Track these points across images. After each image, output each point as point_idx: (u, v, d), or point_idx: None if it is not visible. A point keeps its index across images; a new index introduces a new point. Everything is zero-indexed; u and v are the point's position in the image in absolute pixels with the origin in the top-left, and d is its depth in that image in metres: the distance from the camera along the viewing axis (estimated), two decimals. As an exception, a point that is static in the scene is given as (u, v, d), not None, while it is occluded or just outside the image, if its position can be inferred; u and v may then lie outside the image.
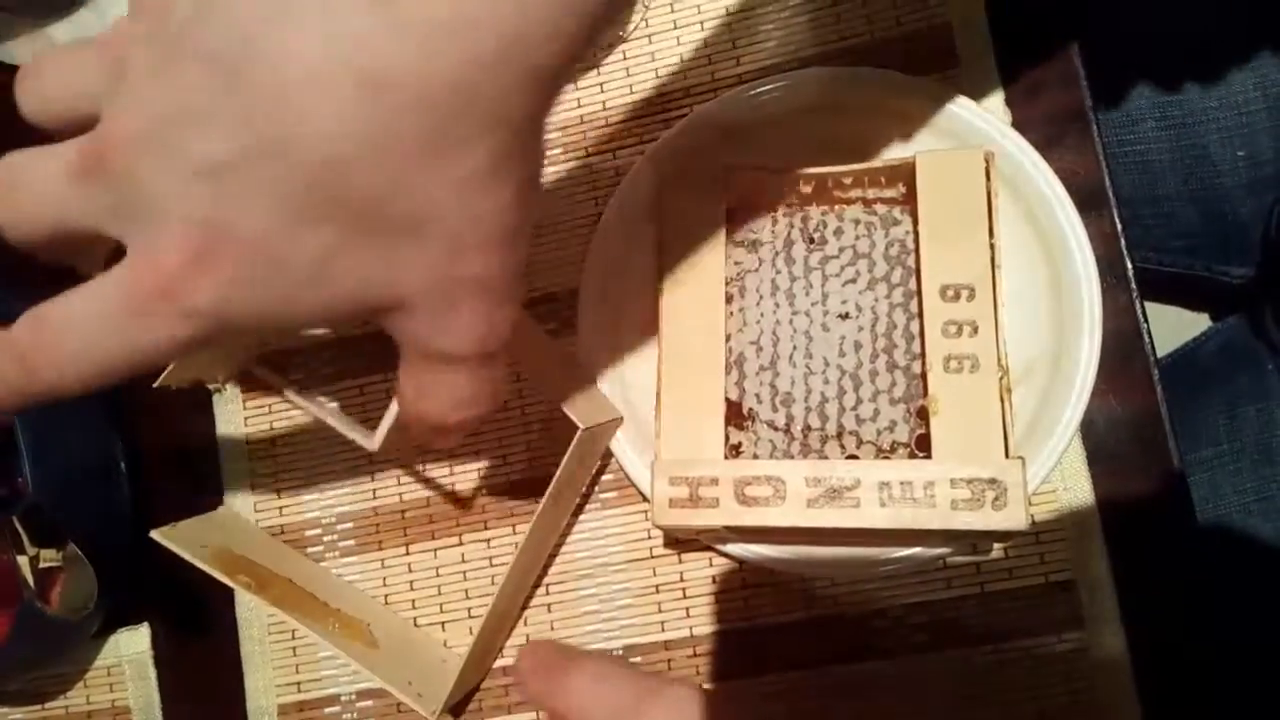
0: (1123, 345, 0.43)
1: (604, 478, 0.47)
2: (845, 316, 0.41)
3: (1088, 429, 0.43)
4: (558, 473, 0.42)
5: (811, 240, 0.42)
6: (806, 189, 0.42)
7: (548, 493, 0.43)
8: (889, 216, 0.41)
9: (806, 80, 0.43)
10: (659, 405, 0.40)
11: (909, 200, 0.41)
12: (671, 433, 0.40)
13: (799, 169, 0.41)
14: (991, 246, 0.38)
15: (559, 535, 0.47)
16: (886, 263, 0.41)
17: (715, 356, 0.40)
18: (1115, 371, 0.43)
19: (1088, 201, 0.42)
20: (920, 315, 0.39)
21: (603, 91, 0.49)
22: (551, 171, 0.49)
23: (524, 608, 0.47)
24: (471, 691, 0.47)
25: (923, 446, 0.38)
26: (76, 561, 0.47)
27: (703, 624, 0.45)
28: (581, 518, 0.47)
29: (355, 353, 0.50)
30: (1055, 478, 0.43)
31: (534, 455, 0.48)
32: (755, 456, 0.40)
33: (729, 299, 0.41)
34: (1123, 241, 0.43)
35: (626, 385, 0.45)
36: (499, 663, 0.47)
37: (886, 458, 0.39)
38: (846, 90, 0.43)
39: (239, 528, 0.49)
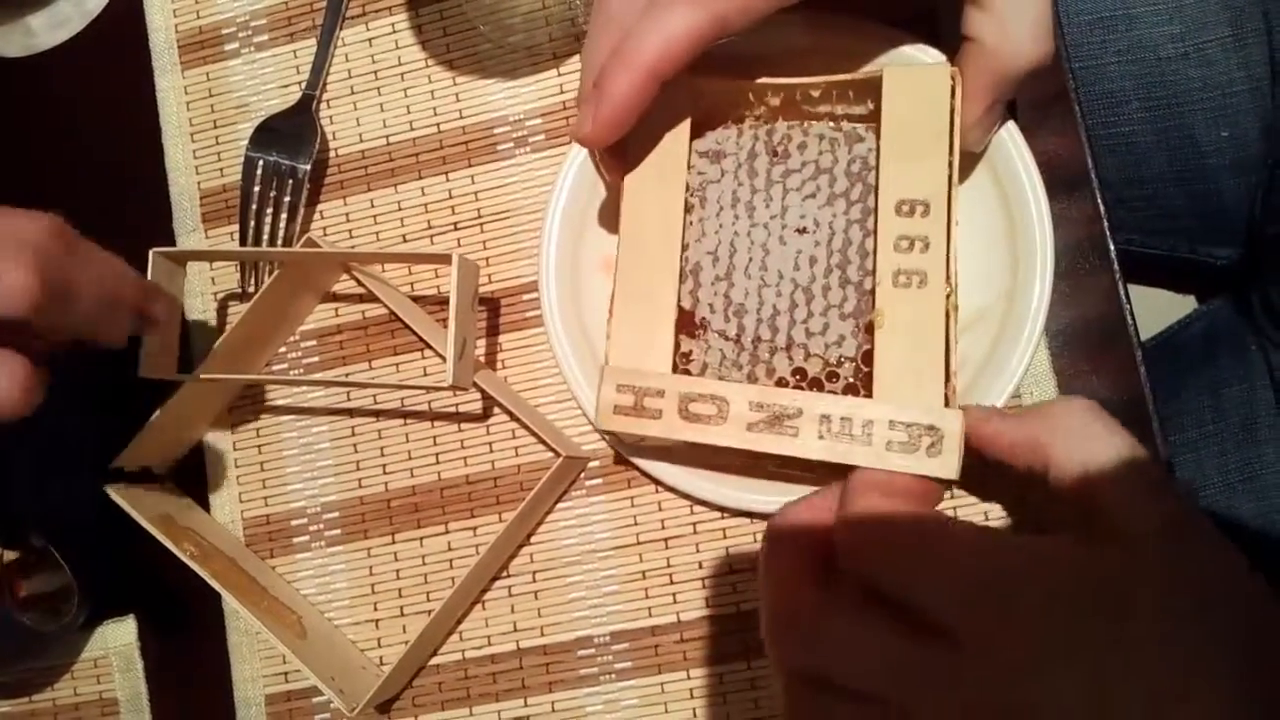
0: (1106, 328, 0.43)
1: (590, 464, 0.47)
2: (802, 231, 0.41)
3: (1071, 411, 0.43)
4: (531, 494, 0.44)
5: (775, 153, 0.42)
6: (775, 101, 0.42)
7: (518, 511, 0.44)
8: (853, 133, 0.41)
9: (786, 24, 0.43)
10: (611, 308, 0.40)
11: (875, 118, 0.41)
12: (622, 336, 0.40)
13: (768, 81, 0.41)
14: (950, 164, 0.39)
15: (518, 547, 0.47)
16: (847, 179, 0.41)
17: (670, 264, 0.40)
18: (1099, 354, 0.43)
19: (1071, 184, 0.42)
20: (875, 231, 0.39)
21: (585, 77, 0.48)
22: (534, 158, 0.49)
23: (468, 611, 0.48)
24: (403, 688, 0.47)
25: (869, 361, 0.39)
26: (55, 568, 0.47)
27: (690, 609, 0.46)
28: (568, 505, 0.47)
29: (335, 344, 0.50)
30: (1039, 460, 0.43)
31: (520, 443, 0.47)
32: (705, 365, 0.41)
33: (689, 209, 0.41)
34: (1105, 223, 0.43)
35: (594, 348, 0.45)
36: (434, 660, 0.48)
37: (834, 372, 0.39)
38: (822, 35, 0.43)
39: (185, 504, 0.49)
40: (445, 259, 0.42)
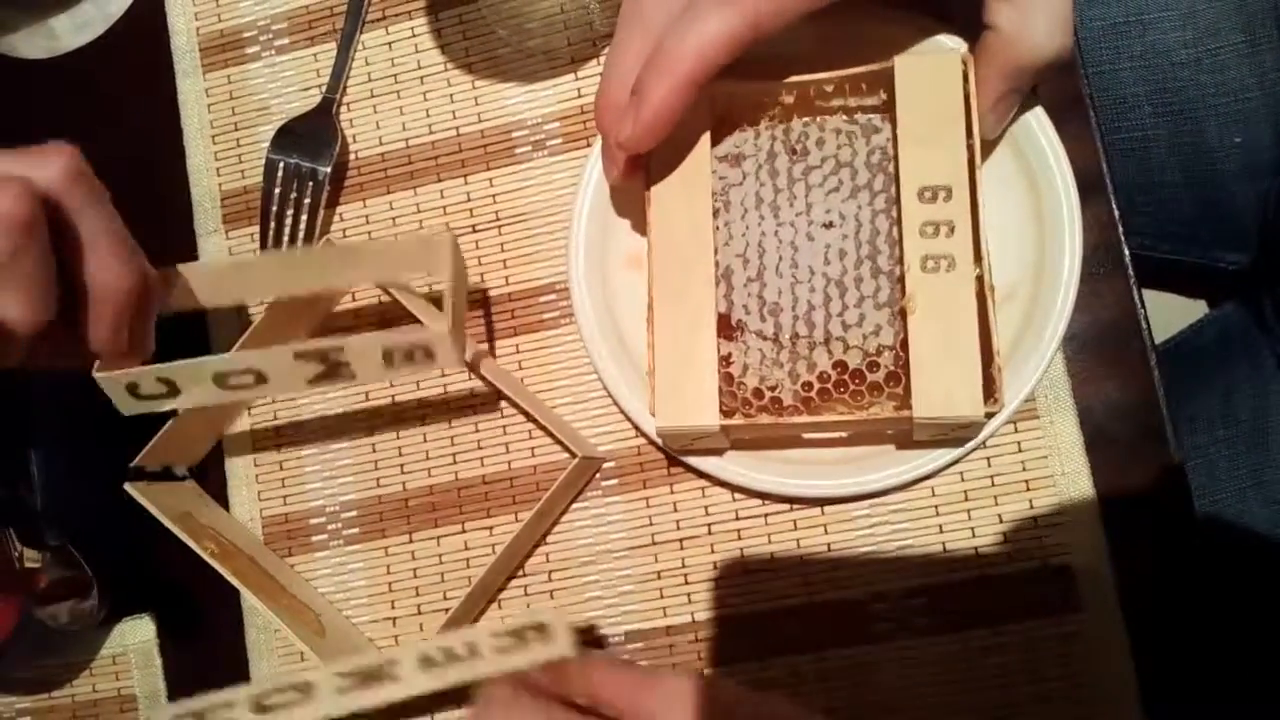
0: (1120, 332, 0.44)
1: (606, 465, 0.47)
2: (829, 225, 0.42)
3: (1085, 415, 0.44)
4: (547, 494, 0.44)
5: (794, 152, 0.42)
6: (788, 99, 0.42)
7: (534, 511, 0.44)
8: (870, 124, 0.42)
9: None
10: (651, 323, 0.41)
11: (889, 108, 0.41)
12: (665, 348, 0.41)
13: (781, 80, 0.42)
14: (970, 148, 0.39)
15: (534, 546, 0.48)
16: (868, 170, 0.41)
17: (705, 271, 0.41)
18: (1113, 358, 0.44)
19: (1085, 188, 0.42)
20: (900, 219, 0.40)
21: (602, 81, 0.49)
22: (551, 161, 0.49)
23: (484, 610, 0.48)
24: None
25: (908, 348, 0.39)
26: (75, 566, 0.47)
27: (705, 609, 0.46)
28: (584, 505, 0.47)
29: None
30: (1053, 463, 0.43)
31: (536, 443, 0.48)
32: (745, 366, 0.41)
33: (714, 214, 0.42)
34: (1120, 228, 0.43)
35: (627, 345, 0.45)
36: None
37: (874, 361, 0.40)
38: (832, 23, 0.43)
39: (205, 503, 0.50)
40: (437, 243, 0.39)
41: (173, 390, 0.37)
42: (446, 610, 0.47)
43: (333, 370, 0.37)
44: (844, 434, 0.44)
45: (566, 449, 0.47)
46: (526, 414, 0.47)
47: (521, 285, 0.49)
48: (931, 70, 0.40)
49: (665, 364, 0.40)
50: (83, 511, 0.49)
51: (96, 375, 0.37)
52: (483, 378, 0.47)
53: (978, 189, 0.39)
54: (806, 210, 0.42)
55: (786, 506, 0.45)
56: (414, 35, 0.51)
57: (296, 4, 0.52)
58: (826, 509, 0.45)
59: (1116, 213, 0.44)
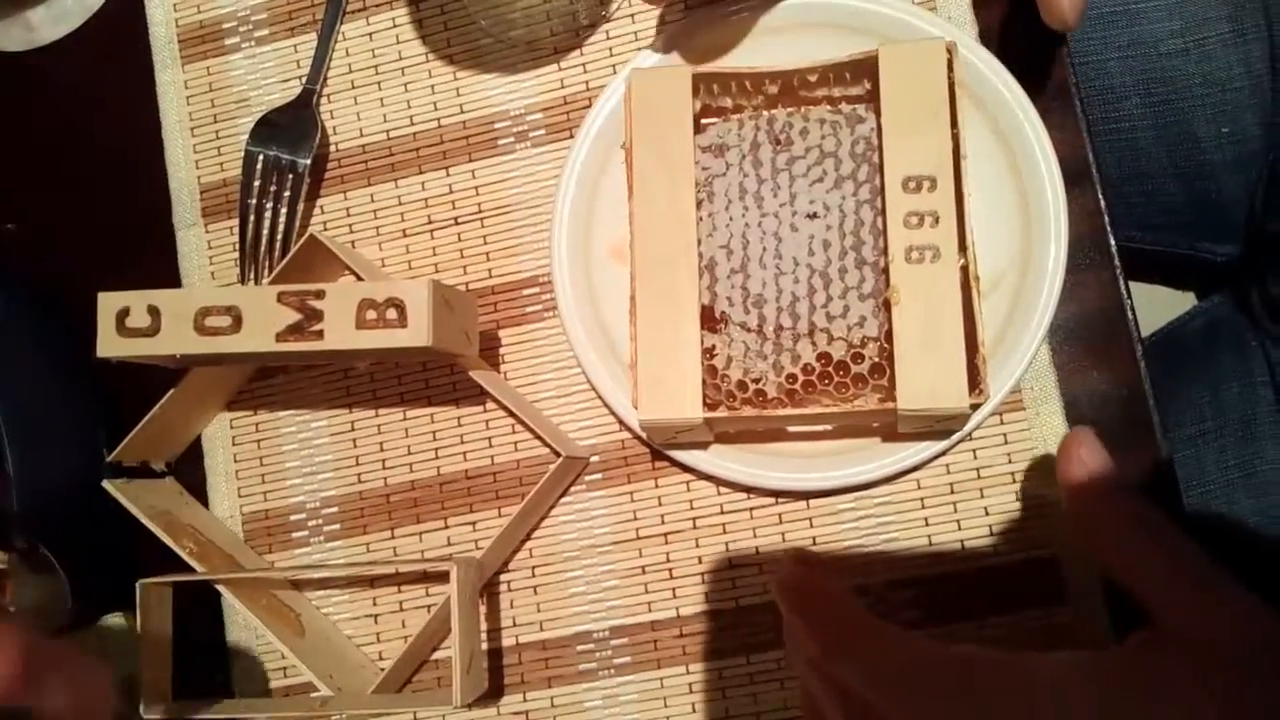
0: (1107, 323, 0.43)
1: (591, 459, 0.47)
2: (813, 216, 0.41)
3: (1072, 406, 0.43)
4: (530, 494, 0.44)
5: (778, 142, 0.42)
6: (773, 89, 0.42)
7: (518, 510, 0.44)
8: (854, 114, 0.42)
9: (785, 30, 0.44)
10: (633, 315, 0.41)
11: (873, 98, 0.41)
12: (648, 340, 0.40)
13: (765, 69, 0.42)
14: (954, 137, 0.39)
15: (519, 544, 0.47)
16: (852, 160, 0.41)
17: (689, 263, 0.41)
18: (1099, 349, 0.43)
19: (1072, 178, 0.42)
20: (884, 209, 0.40)
21: (585, 72, 0.48)
22: (534, 153, 0.48)
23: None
24: (402, 685, 0.47)
25: (893, 339, 0.39)
26: (47, 569, 0.47)
27: (690, 604, 0.46)
28: (568, 500, 0.47)
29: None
30: (1040, 454, 0.43)
31: (519, 437, 0.47)
32: (729, 359, 0.41)
33: (698, 204, 0.42)
34: (1106, 217, 0.43)
35: (610, 338, 0.45)
36: (434, 656, 0.47)
37: (859, 353, 0.40)
38: (818, 10, 0.43)
39: (185, 501, 0.49)
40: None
41: (155, 327, 0.40)
42: (429, 607, 0.47)
43: (308, 319, 0.39)
44: (829, 426, 0.43)
45: (551, 449, 0.46)
46: (510, 412, 0.47)
47: (504, 278, 0.48)
48: (916, 58, 0.39)
49: (648, 356, 0.40)
50: (57, 513, 0.48)
51: (100, 296, 0.41)
52: (467, 375, 0.47)
53: (963, 179, 0.39)
54: (790, 201, 0.41)
55: (771, 500, 0.45)
56: (395, 26, 0.50)
57: (276, -6, 0.52)
58: (812, 502, 0.45)
59: (1103, 203, 0.43)
